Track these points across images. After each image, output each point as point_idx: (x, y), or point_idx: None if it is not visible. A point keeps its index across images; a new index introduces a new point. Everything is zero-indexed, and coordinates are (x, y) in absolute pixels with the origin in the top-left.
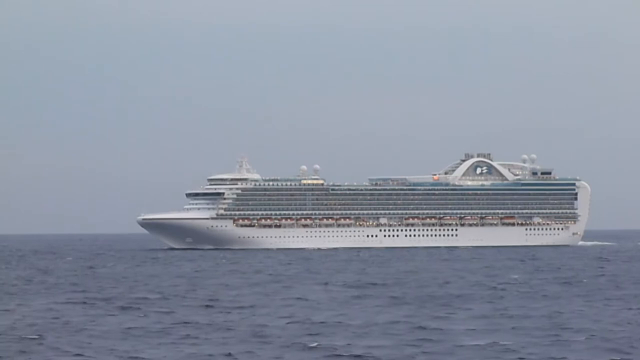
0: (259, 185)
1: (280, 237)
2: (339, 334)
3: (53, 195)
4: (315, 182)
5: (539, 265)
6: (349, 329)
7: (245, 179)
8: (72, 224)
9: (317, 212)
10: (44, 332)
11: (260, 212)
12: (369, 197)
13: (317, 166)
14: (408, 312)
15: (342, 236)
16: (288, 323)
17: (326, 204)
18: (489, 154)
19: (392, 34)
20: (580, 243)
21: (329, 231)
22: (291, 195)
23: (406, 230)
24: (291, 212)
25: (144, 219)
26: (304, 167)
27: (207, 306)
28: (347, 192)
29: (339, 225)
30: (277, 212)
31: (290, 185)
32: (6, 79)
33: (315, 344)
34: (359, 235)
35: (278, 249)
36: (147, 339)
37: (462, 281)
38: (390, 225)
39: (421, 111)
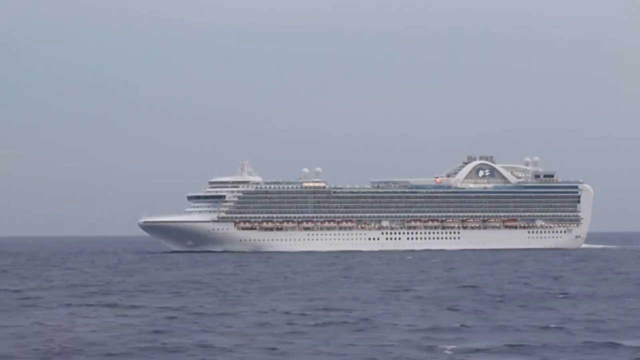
0: (261, 188)
1: (281, 240)
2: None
3: (53, 196)
4: (317, 185)
5: (598, 269)
6: None
7: (247, 182)
8: (72, 225)
9: (318, 215)
10: None
11: (261, 215)
12: (370, 200)
13: (318, 169)
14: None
15: (343, 239)
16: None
17: (328, 207)
18: (492, 157)
19: (392, 34)
20: (584, 246)
21: (330, 234)
22: (293, 198)
23: (408, 233)
24: (293, 215)
25: (145, 222)
26: (306, 170)
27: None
28: (349, 195)
29: (340, 228)
30: (279, 215)
31: (292, 188)
32: (6, 79)
33: None
34: (360, 238)
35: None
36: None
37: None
38: (392, 228)
39: (421, 111)
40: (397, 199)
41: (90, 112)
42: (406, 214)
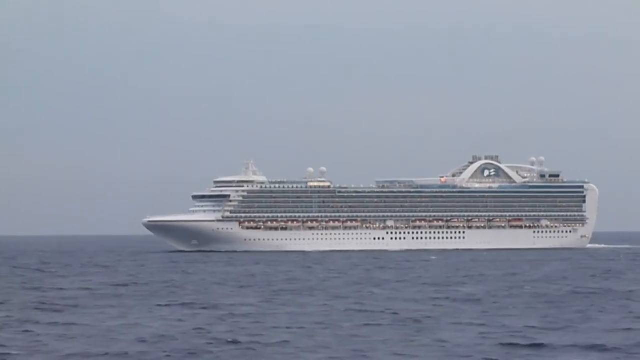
0: (265, 187)
1: (286, 239)
2: None
3: (53, 196)
4: (321, 184)
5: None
6: None
7: (252, 182)
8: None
9: (323, 214)
10: None
11: (266, 215)
12: (375, 200)
13: (323, 168)
14: None
15: (348, 239)
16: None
17: (333, 207)
18: (497, 157)
19: (392, 33)
20: (589, 246)
21: (335, 234)
22: (297, 197)
23: (413, 232)
24: (297, 215)
25: (149, 221)
26: (311, 170)
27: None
28: (354, 194)
29: (345, 228)
30: (284, 215)
31: (297, 187)
32: (6, 78)
33: None
34: (365, 238)
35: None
36: None
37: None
38: (397, 228)
39: (422, 111)
40: (402, 199)
41: (90, 112)
42: (411, 214)
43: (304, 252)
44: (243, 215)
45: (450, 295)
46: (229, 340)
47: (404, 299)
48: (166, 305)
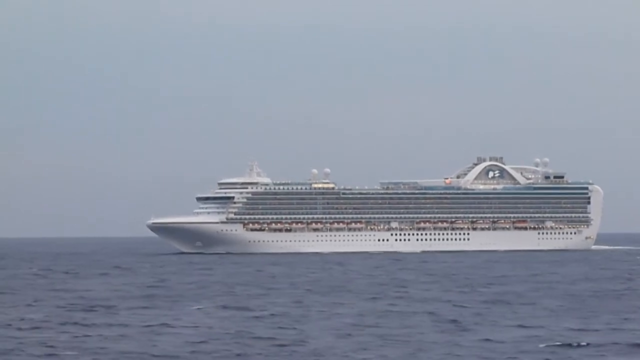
0: (270, 189)
1: (290, 241)
2: None
3: (53, 196)
4: (326, 185)
5: None
6: None
7: (256, 183)
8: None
9: (328, 216)
10: None
11: (270, 217)
12: (380, 201)
13: (327, 170)
14: None
15: (353, 240)
16: None
17: (337, 208)
18: (501, 158)
19: (392, 33)
20: (594, 247)
21: (339, 235)
22: (302, 199)
23: (418, 234)
24: (302, 216)
25: (154, 223)
26: (315, 171)
27: None
28: (358, 196)
29: (349, 230)
30: (288, 217)
31: (301, 189)
32: (6, 79)
33: None
34: (370, 240)
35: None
36: None
37: None
38: (401, 230)
39: (423, 111)
40: (406, 200)
41: (90, 112)
42: (415, 215)
43: (318, 254)
44: (247, 216)
45: (479, 296)
46: (276, 343)
47: (434, 299)
48: (201, 307)
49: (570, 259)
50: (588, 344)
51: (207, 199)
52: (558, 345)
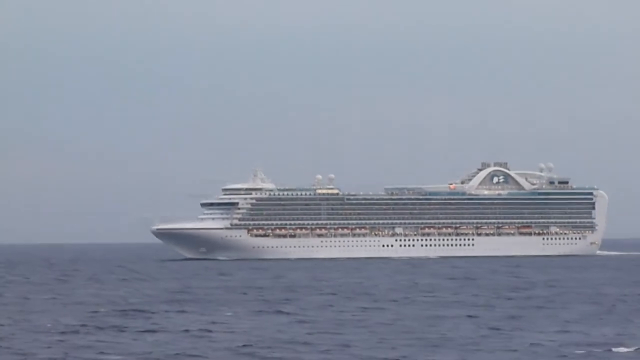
0: (274, 195)
1: (295, 247)
2: None
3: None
4: (330, 191)
5: None
6: None
7: (260, 189)
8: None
9: (332, 221)
10: None
11: (274, 222)
12: (384, 207)
13: (332, 175)
14: None
15: (357, 246)
16: None
17: (341, 214)
18: (506, 163)
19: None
20: (598, 252)
21: (344, 241)
22: (306, 205)
23: (422, 239)
24: (306, 222)
25: (158, 229)
26: (319, 177)
27: None
28: (363, 201)
29: (354, 235)
30: (292, 222)
31: (305, 195)
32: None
33: None
34: (374, 245)
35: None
36: None
37: None
38: (406, 235)
39: (429, 117)
40: (410, 206)
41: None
42: (420, 221)
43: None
44: (251, 222)
45: (512, 301)
46: (321, 349)
47: (469, 304)
48: (233, 312)
49: (587, 264)
50: (637, 349)
51: (212, 204)
52: (606, 350)
